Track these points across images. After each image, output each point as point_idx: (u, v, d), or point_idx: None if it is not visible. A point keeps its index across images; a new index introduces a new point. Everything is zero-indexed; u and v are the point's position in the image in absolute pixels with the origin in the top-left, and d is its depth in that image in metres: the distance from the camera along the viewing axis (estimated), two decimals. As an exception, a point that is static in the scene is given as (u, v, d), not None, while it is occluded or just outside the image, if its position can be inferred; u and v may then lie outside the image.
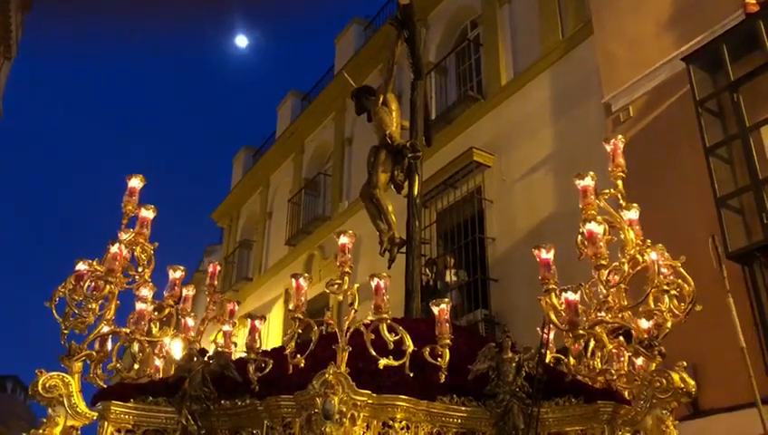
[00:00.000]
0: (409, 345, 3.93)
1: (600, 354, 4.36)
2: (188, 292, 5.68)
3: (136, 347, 4.92)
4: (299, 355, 4.14)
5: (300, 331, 4.24)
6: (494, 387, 4.10)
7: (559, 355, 4.61)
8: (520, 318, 8.46)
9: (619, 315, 4.27)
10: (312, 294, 4.59)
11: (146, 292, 5.07)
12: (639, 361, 4.22)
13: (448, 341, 4.01)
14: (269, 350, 4.83)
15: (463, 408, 4.14)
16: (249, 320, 4.33)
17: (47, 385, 4.26)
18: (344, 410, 3.73)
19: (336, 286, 4.12)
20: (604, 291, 4.34)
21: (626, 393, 4.23)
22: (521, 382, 4.06)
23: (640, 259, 4.45)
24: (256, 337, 4.25)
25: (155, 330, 5.20)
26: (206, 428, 4.29)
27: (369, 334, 3.93)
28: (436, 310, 4.12)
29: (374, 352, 3.90)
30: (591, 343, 4.32)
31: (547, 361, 4.32)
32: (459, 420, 4.13)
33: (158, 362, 5.24)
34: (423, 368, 4.03)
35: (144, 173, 5.29)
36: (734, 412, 6.04)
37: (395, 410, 3.96)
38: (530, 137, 9.92)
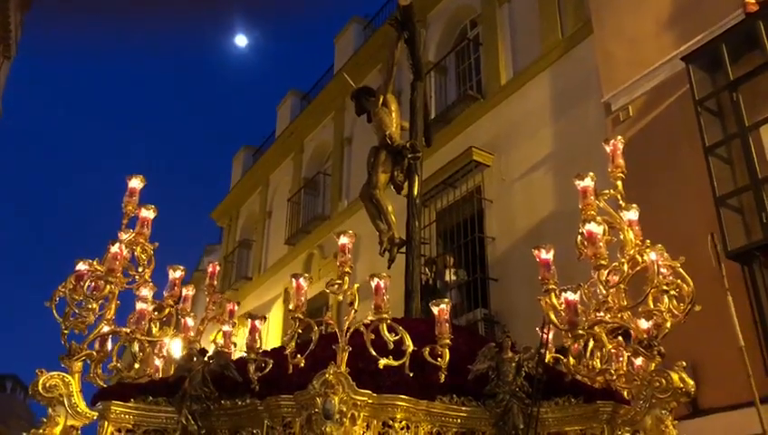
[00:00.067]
0: (409, 345, 3.94)
1: (599, 354, 4.37)
2: (188, 292, 5.68)
3: (136, 347, 4.93)
4: (299, 355, 4.14)
5: (300, 331, 4.25)
6: (494, 387, 4.11)
7: (558, 355, 4.62)
8: (519, 318, 8.47)
9: (619, 315, 4.28)
10: (312, 293, 4.59)
11: (146, 292, 5.07)
12: (639, 361, 4.22)
13: (448, 341, 4.01)
14: (269, 350, 4.83)
15: (463, 408, 4.15)
16: (249, 320, 4.33)
17: (47, 385, 4.27)
18: (344, 409, 3.74)
19: (336, 286, 4.13)
20: (604, 291, 4.35)
21: (625, 393, 4.23)
22: (520, 382, 4.07)
23: (640, 259, 4.46)
24: (256, 337, 4.25)
25: (155, 330, 5.21)
26: (206, 428, 4.30)
27: (369, 334, 3.93)
28: (435, 310, 4.13)
29: (374, 352, 3.90)
30: (591, 343, 4.33)
31: (547, 361, 4.33)
32: (459, 420, 4.13)
33: (158, 362, 5.25)
34: (423, 368, 4.04)
35: (144, 173, 5.30)
36: (734, 412, 6.05)
37: (395, 409, 3.97)
38: (529, 136, 9.92)
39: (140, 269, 5.13)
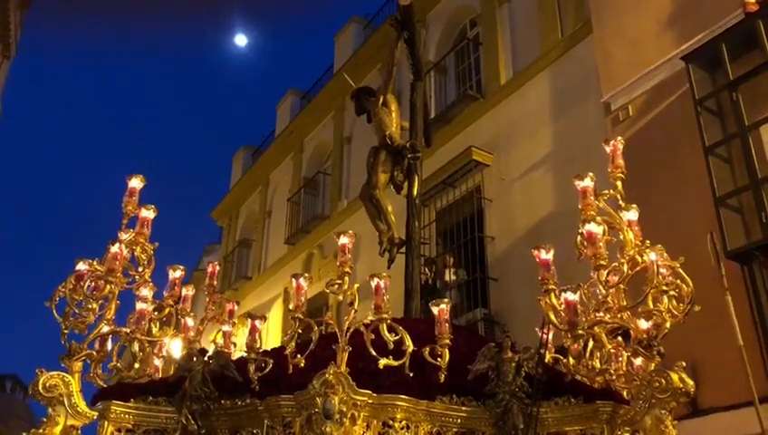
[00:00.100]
0: (409, 345, 3.94)
1: (599, 354, 4.37)
2: (188, 291, 5.69)
3: (136, 347, 4.93)
4: (299, 355, 4.15)
5: (300, 331, 4.25)
6: (494, 387, 4.11)
7: (558, 355, 4.62)
8: (519, 318, 8.47)
9: (618, 316, 4.29)
10: (312, 293, 4.59)
11: (146, 292, 5.07)
12: (638, 361, 4.23)
13: (448, 341, 4.02)
14: (269, 350, 4.83)
15: (463, 408, 4.15)
16: (249, 319, 4.34)
17: (47, 385, 4.27)
18: (344, 409, 3.74)
19: (336, 286, 4.13)
20: (603, 291, 4.36)
21: (625, 393, 4.24)
22: (520, 382, 4.07)
23: (639, 260, 4.46)
24: (256, 337, 4.26)
25: (155, 330, 5.21)
26: (206, 427, 4.30)
27: (369, 334, 3.94)
28: (435, 310, 4.13)
29: (374, 352, 3.90)
30: (590, 344, 4.33)
31: (546, 361, 4.33)
32: (459, 420, 4.14)
33: (158, 362, 5.25)
34: (423, 368, 4.04)
35: (144, 173, 5.30)
36: (733, 411, 6.06)
37: (395, 409, 3.97)
38: (529, 136, 9.92)
39: (140, 269, 5.13)
